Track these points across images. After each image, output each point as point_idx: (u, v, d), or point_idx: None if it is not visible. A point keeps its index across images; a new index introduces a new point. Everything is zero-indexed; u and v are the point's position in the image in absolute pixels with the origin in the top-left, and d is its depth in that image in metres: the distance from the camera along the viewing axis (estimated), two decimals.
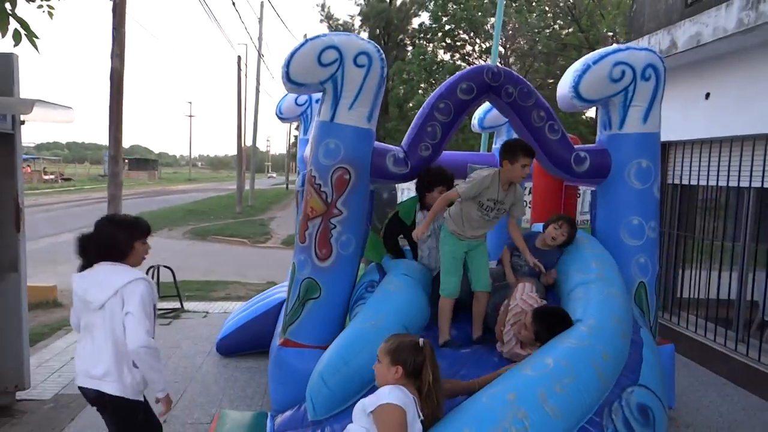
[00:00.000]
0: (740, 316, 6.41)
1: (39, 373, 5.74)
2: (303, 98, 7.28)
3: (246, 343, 6.40)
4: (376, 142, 4.94)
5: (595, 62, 4.93)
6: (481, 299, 4.38)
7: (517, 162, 4.19)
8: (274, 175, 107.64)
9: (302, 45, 4.64)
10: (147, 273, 8.40)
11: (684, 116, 7.26)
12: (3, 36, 2.60)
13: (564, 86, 5.09)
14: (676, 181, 7.59)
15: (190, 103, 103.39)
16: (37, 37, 2.66)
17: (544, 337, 3.48)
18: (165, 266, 8.80)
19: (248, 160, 34.99)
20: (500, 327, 4.07)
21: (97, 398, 3.12)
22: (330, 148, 4.66)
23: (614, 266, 4.37)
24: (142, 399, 3.19)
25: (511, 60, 28.41)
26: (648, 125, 5.06)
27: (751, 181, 6.24)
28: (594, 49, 5.74)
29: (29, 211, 25.29)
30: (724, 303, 6.73)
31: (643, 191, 5.07)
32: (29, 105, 4.38)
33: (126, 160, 73.95)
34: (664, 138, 7.54)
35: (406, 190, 7.94)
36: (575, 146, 5.25)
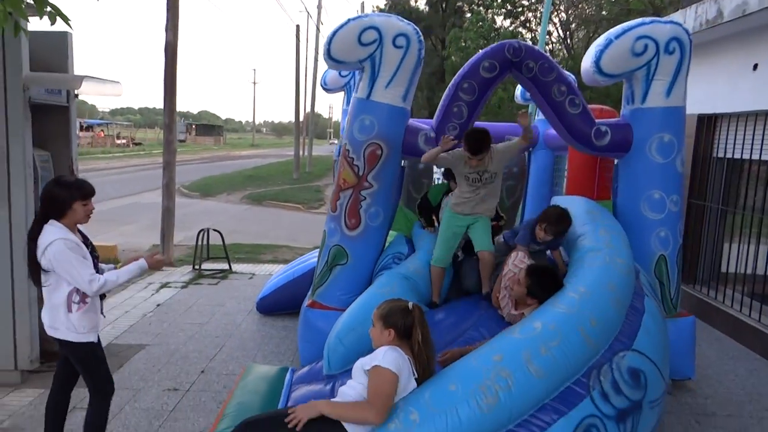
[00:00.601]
0: None
1: None
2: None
3: (283, 303, 6.77)
4: (411, 120, 5.12)
5: (617, 36, 4.92)
6: (486, 257, 4.63)
7: (465, 152, 4.50)
8: (335, 141, 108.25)
9: (344, 24, 4.84)
10: (198, 235, 8.90)
11: (731, 88, 7.06)
12: (40, 18, 2.91)
13: (587, 61, 5.11)
14: (722, 155, 7.42)
15: (254, 70, 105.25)
16: (68, 19, 2.97)
17: (536, 292, 3.65)
18: (214, 230, 9.26)
19: (307, 127, 35.55)
20: (496, 294, 4.27)
21: (59, 344, 3.43)
22: (365, 124, 4.88)
23: (623, 236, 4.45)
24: (92, 340, 3.41)
25: (574, 26, 27.61)
26: (671, 99, 5.02)
27: None
28: (659, 15, 5.67)
29: (100, 174, 26.74)
30: (765, 279, 6.62)
31: (665, 165, 5.07)
32: (79, 80, 4.77)
33: (193, 126, 76.26)
34: (710, 110, 7.45)
35: (438, 171, 8.16)
36: (598, 120, 5.28)
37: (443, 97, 5.16)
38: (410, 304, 2.97)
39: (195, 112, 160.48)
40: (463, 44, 26.88)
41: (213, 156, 48.14)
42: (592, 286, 3.65)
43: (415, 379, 2.96)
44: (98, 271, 3.43)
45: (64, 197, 3.33)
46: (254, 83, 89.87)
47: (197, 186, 22.74)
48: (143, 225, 13.65)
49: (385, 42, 4.72)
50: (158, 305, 7.07)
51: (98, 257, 3.54)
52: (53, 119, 5.30)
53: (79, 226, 3.48)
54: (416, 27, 4.96)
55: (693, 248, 7.84)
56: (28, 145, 4.70)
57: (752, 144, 6.74)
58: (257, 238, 12.61)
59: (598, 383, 3.24)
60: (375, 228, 4.99)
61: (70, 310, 3.31)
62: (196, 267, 8.86)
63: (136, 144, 57.34)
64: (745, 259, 6.86)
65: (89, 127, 54.16)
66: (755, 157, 6.69)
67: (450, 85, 5.14)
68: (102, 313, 3.57)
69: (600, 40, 5.03)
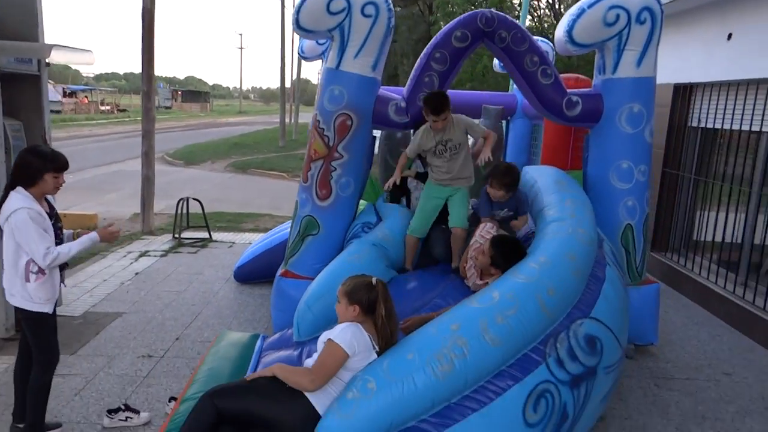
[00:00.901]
0: (742, 259, 6.46)
1: (73, 292, 6.35)
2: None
3: (260, 272, 6.85)
4: (381, 90, 5.13)
5: (590, 6, 4.95)
6: (458, 233, 4.72)
7: (428, 117, 4.55)
8: None
9: None
10: (177, 204, 8.92)
11: (706, 57, 7.11)
12: None
13: (560, 30, 5.13)
14: (697, 124, 7.49)
15: (241, 34, 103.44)
16: None
17: (500, 263, 3.75)
18: (194, 198, 9.28)
19: (294, 93, 35.23)
20: (463, 264, 4.36)
21: (17, 312, 3.52)
22: (334, 94, 4.89)
23: (588, 207, 4.51)
24: (47, 311, 3.48)
25: None
26: (642, 69, 5.07)
27: (762, 124, 6.15)
28: None
29: (84, 141, 26.48)
30: (734, 247, 6.76)
31: (634, 135, 5.15)
32: (47, 49, 4.74)
33: (179, 92, 75.27)
34: (686, 80, 7.49)
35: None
36: (569, 90, 5.33)
37: (415, 67, 5.17)
38: (374, 280, 3.06)
39: (182, 77, 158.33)
40: (451, 9, 26.60)
41: (199, 123, 47.66)
42: (553, 256, 3.73)
43: (377, 351, 3.05)
44: (61, 240, 3.48)
45: (36, 166, 3.37)
46: (241, 48, 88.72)
47: (181, 154, 22.58)
48: (126, 193, 13.59)
49: (354, 11, 4.71)
50: (137, 274, 7.13)
51: (62, 228, 3.59)
52: (25, 88, 5.27)
53: (48, 196, 3.52)
54: None
55: (666, 217, 7.98)
56: None
57: (723, 114, 6.81)
58: (240, 207, 12.63)
59: (554, 350, 3.34)
60: (346, 198, 5.05)
61: (27, 279, 3.37)
62: (176, 236, 8.90)
63: (121, 111, 56.58)
64: (714, 228, 7.00)
65: (73, 93, 53.37)
66: (728, 126, 6.77)
67: (422, 54, 5.15)
68: (63, 282, 3.64)
69: (573, 10, 5.05)
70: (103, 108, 54.53)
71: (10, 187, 3.39)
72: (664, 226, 8.00)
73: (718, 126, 6.98)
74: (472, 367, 3.08)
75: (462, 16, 5.13)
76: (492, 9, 5.19)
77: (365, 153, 5.14)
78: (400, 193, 5.48)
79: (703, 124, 7.34)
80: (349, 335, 2.91)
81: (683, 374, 5.00)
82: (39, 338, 3.51)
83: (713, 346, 5.66)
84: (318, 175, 5.00)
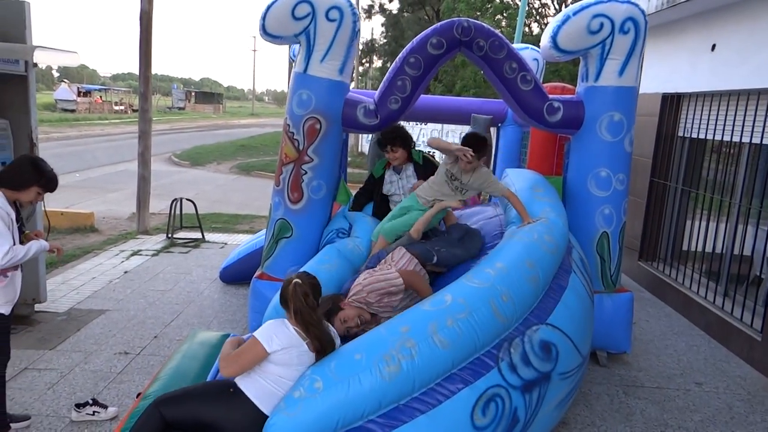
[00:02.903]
0: (722, 269, 6.47)
1: (60, 289, 6.47)
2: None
3: (246, 273, 6.90)
4: (351, 93, 5.21)
5: (575, 13, 5.00)
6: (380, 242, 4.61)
7: (465, 155, 4.38)
8: None
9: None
10: (172, 204, 9.04)
11: (692, 68, 7.12)
12: None
13: (545, 37, 5.19)
14: (685, 134, 7.50)
15: (254, 37, 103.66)
16: None
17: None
18: (187, 199, 9.39)
19: None
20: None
21: None
22: (303, 98, 4.98)
23: (562, 213, 4.54)
24: (4, 312, 3.53)
25: None
26: (624, 79, 5.11)
27: (742, 135, 6.16)
28: None
29: (95, 141, 26.78)
30: (717, 258, 6.77)
31: (614, 144, 5.19)
32: (30, 50, 4.86)
33: (192, 93, 75.83)
34: (674, 89, 7.50)
35: None
36: (551, 96, 5.37)
37: (389, 70, 5.23)
38: (293, 282, 3.08)
39: (197, 79, 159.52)
40: (457, 16, 26.64)
41: (210, 124, 48.05)
42: (510, 262, 3.78)
43: (317, 351, 3.08)
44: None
45: (30, 177, 3.49)
46: (254, 51, 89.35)
47: (188, 155, 22.82)
48: (128, 192, 13.74)
49: (318, 15, 4.77)
50: (125, 272, 7.25)
51: (24, 232, 3.69)
52: (11, 88, 5.40)
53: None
54: (350, 0, 4.98)
55: (654, 227, 7.98)
56: None
57: (707, 124, 6.82)
58: (240, 209, 12.75)
59: (507, 355, 3.38)
60: (318, 201, 5.13)
61: None
62: (170, 236, 9.02)
63: (135, 111, 56.99)
64: (697, 238, 7.00)
65: (87, 93, 53.94)
66: (712, 137, 6.78)
67: (398, 58, 5.21)
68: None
69: (559, 16, 5.11)
70: (116, 108, 55.03)
71: None
72: (652, 235, 8.01)
73: (702, 136, 6.98)
74: (419, 369, 3.12)
75: (439, 23, 5.19)
76: (469, 18, 5.24)
77: (335, 156, 5.20)
78: (365, 200, 5.51)
79: (690, 134, 7.34)
80: (268, 330, 2.99)
81: (653, 383, 5.02)
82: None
83: (689, 355, 5.67)
84: (289, 178, 5.08)
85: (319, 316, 3.14)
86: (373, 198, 5.45)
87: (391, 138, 5.14)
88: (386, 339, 3.21)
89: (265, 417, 2.94)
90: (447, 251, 4.33)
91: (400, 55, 5.19)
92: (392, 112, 5.10)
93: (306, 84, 4.95)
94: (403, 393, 3.11)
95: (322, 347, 3.09)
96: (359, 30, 4.99)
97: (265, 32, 4.87)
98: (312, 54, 4.89)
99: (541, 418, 3.54)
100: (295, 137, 4.99)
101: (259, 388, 2.97)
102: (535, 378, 3.45)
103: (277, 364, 2.97)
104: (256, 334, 2.99)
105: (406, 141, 5.20)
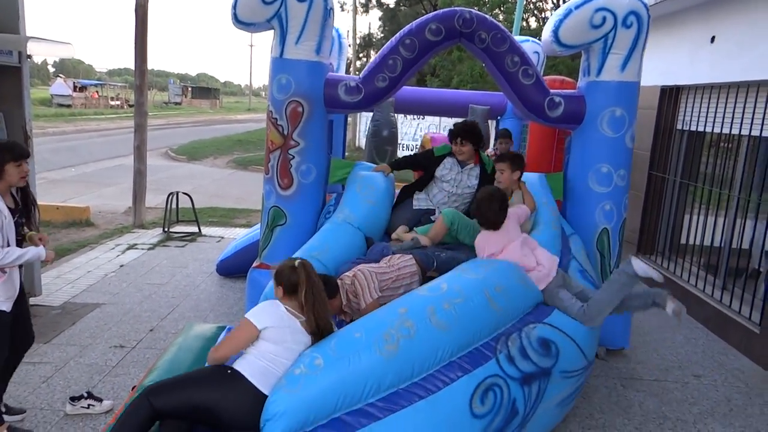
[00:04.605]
0: (720, 263, 6.45)
1: (56, 283, 6.43)
2: None
3: (242, 266, 6.87)
4: (331, 73, 5.15)
5: (577, 7, 4.95)
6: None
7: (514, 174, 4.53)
8: None
9: None
10: (168, 198, 8.99)
11: (691, 60, 7.09)
12: None
13: (546, 31, 5.15)
14: (685, 127, 7.47)
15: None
16: None
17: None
18: (184, 193, 9.33)
19: None
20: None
21: None
22: (282, 83, 4.94)
23: (556, 214, 4.57)
24: (4, 309, 3.47)
25: None
26: (626, 74, 5.07)
27: (741, 128, 6.14)
28: None
29: (91, 135, 26.67)
30: (717, 251, 6.75)
31: (615, 139, 5.15)
32: (23, 41, 4.81)
33: (189, 88, 75.60)
34: (672, 82, 7.46)
35: (405, 135, 8.16)
36: (552, 91, 5.33)
37: (384, 47, 5.16)
38: (297, 263, 3.11)
39: (193, 74, 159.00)
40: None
41: (207, 119, 47.86)
42: (500, 263, 3.82)
43: (313, 334, 3.09)
44: (23, 238, 3.53)
45: None
46: (251, 46, 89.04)
47: (185, 149, 22.72)
48: (124, 187, 13.68)
49: None
50: (121, 266, 7.21)
51: (23, 225, 3.62)
52: (5, 80, 5.36)
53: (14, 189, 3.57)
54: None
55: (652, 220, 7.96)
56: None
57: (707, 116, 6.80)
58: (237, 203, 12.71)
59: (505, 347, 3.40)
60: (309, 185, 5.08)
61: None
62: (166, 229, 8.98)
63: (131, 106, 56.77)
64: (695, 232, 6.98)
65: (83, 88, 53.72)
66: (711, 129, 6.75)
67: (394, 37, 5.13)
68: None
69: (560, 10, 5.05)
70: (112, 103, 54.82)
71: None
72: (650, 229, 7.99)
73: (701, 129, 6.96)
74: (417, 349, 3.14)
75: (442, 10, 5.13)
76: (471, 9, 5.19)
77: (322, 138, 5.13)
78: (406, 167, 5.49)
79: (689, 127, 7.32)
80: (259, 309, 3.03)
81: (651, 375, 5.00)
82: None
83: (687, 348, 5.66)
84: (277, 165, 5.04)
85: (325, 296, 3.17)
86: (422, 171, 5.33)
87: (462, 131, 4.93)
88: (384, 319, 3.25)
89: (264, 396, 2.92)
90: (447, 255, 4.34)
91: (397, 34, 5.10)
92: (378, 90, 5.03)
93: (284, 68, 4.90)
94: (403, 376, 3.11)
95: (319, 328, 3.09)
96: (332, 8, 4.94)
97: (237, 20, 4.82)
98: (286, 37, 4.84)
99: (541, 413, 3.55)
100: (279, 123, 4.95)
101: (256, 368, 2.95)
102: (533, 372, 3.46)
103: (269, 341, 2.96)
104: (247, 314, 3.00)
105: (476, 139, 4.99)
